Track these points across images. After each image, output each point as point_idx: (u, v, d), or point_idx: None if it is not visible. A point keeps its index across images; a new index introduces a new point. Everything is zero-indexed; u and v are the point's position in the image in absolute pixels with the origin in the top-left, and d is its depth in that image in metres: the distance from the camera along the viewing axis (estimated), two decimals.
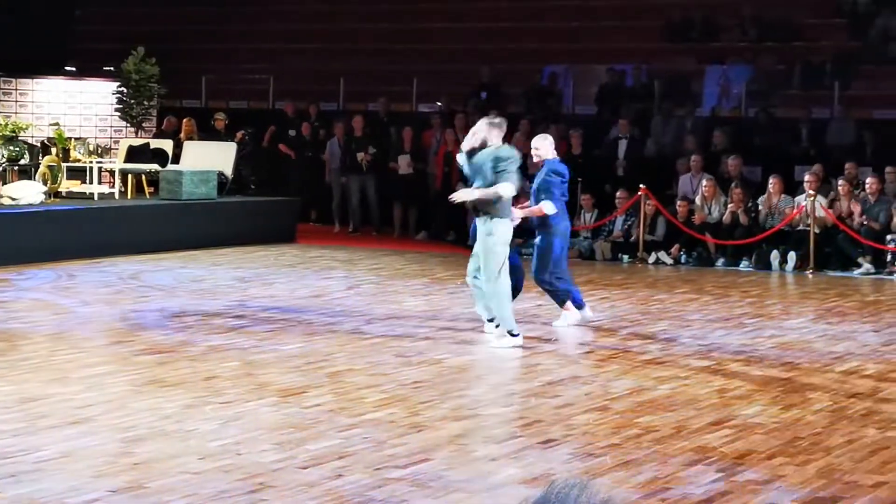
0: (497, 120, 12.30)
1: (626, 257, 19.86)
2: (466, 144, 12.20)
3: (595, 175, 21.56)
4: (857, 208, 18.79)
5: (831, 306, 15.37)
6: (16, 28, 24.22)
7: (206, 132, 23.08)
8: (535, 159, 13.42)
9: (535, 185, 13.11)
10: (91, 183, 20.27)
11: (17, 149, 20.08)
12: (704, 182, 19.94)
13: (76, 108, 24.05)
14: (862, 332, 13.45)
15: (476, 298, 12.57)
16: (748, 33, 24.34)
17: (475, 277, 12.29)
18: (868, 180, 19.10)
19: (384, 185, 23.27)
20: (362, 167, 23.09)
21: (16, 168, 20.07)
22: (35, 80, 24.01)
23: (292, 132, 24.47)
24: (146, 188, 21.19)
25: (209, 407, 9.21)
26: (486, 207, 11.91)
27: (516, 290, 12.58)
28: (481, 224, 11.99)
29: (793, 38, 23.96)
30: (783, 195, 19.47)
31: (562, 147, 21.76)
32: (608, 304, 15.01)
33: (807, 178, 19.26)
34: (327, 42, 27.70)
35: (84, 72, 25.19)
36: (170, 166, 20.99)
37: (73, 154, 20.88)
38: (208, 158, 21.27)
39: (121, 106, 23.80)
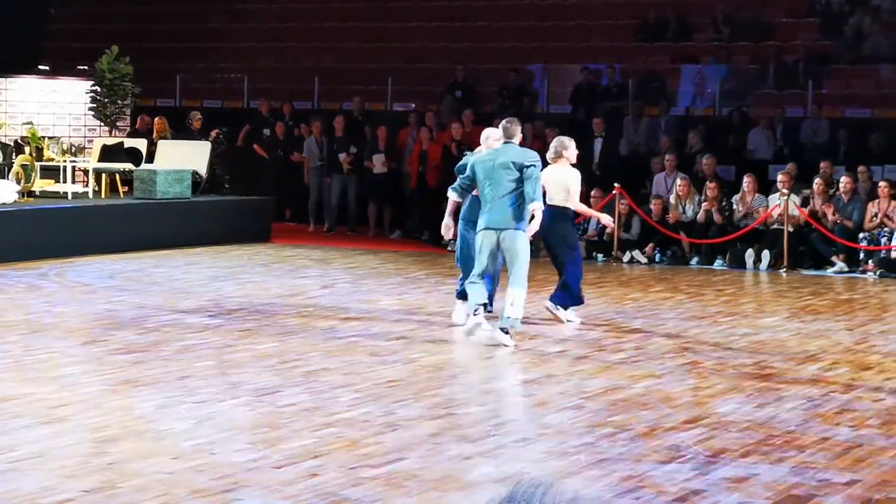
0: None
1: (600, 256, 19.89)
2: None
3: None
4: (829, 209, 18.84)
5: (805, 305, 15.42)
6: None
7: (181, 131, 23.02)
8: None
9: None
10: (65, 182, 20.21)
11: None
12: (679, 181, 19.99)
13: (50, 107, 23.96)
14: (835, 330, 13.50)
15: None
16: (722, 33, 24.42)
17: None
18: (842, 179, 19.17)
19: (360, 185, 23.27)
20: (343, 168, 23.07)
21: None
22: (8, 80, 23.92)
23: (266, 131, 24.45)
24: (120, 187, 21.12)
25: (183, 406, 9.19)
26: None
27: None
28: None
29: (766, 37, 24.04)
30: (757, 194, 19.53)
31: (536, 146, 21.88)
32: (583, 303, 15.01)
33: (780, 177, 19.33)
34: (302, 41, 27.70)
35: (58, 71, 25.11)
36: (144, 165, 20.93)
37: (47, 153, 20.81)
38: (182, 158, 21.22)
39: (95, 105, 23.72)
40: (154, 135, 22.64)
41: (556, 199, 13.30)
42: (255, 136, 24.51)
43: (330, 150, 23.31)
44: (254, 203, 22.13)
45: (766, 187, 19.90)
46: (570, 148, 13.64)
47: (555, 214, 13.14)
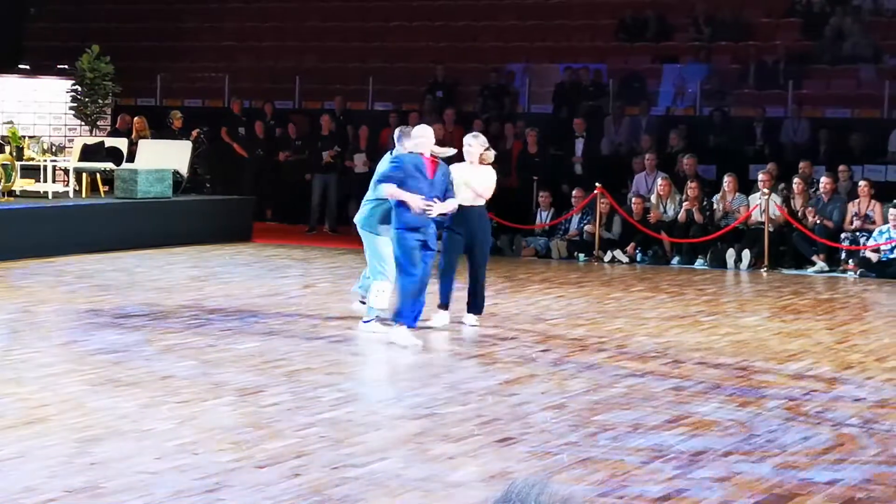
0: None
1: (582, 256, 19.91)
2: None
3: (551, 174, 21.62)
4: (811, 212, 18.89)
5: (786, 304, 15.46)
6: None
7: (161, 130, 22.98)
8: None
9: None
10: (45, 182, 20.15)
11: None
12: (660, 180, 20.02)
13: (30, 106, 23.89)
14: (816, 329, 13.54)
15: None
16: (702, 32, 24.45)
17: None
18: (822, 179, 19.23)
19: (341, 185, 23.24)
20: (324, 166, 23.07)
21: None
22: None
23: (241, 130, 24.41)
24: (101, 187, 21.07)
25: (166, 406, 9.18)
26: None
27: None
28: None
29: (746, 37, 24.09)
30: (738, 193, 19.58)
31: (516, 146, 21.92)
32: (565, 303, 15.04)
33: (761, 176, 19.37)
34: (282, 40, 27.67)
35: (38, 70, 25.04)
36: (125, 165, 20.89)
37: (27, 153, 20.74)
38: (163, 157, 21.18)
39: (75, 104, 23.67)
40: (134, 134, 22.59)
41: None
42: (231, 135, 24.43)
43: (314, 149, 23.30)
44: (235, 202, 22.11)
45: (746, 187, 19.94)
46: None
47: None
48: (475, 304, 13.27)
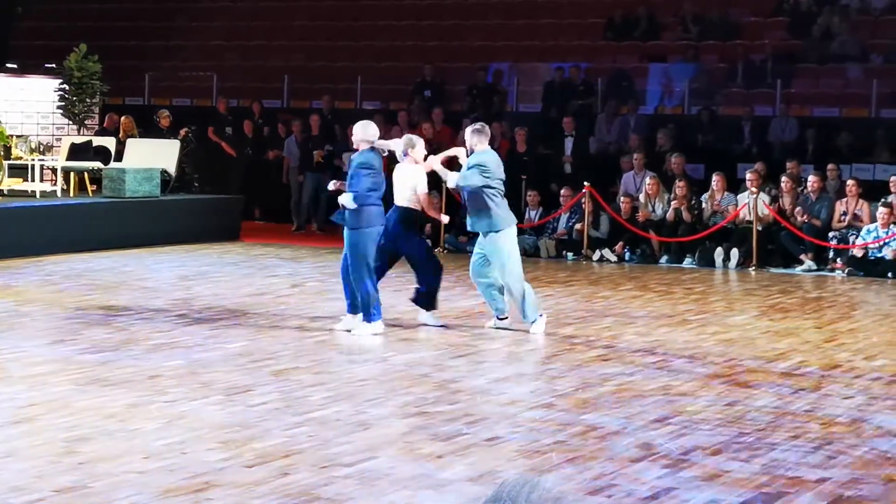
0: (479, 126, 12.83)
1: (570, 255, 19.91)
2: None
3: (540, 173, 21.63)
4: (799, 211, 18.92)
5: (774, 303, 15.47)
6: None
7: (149, 130, 22.95)
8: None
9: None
10: (33, 181, 20.12)
11: None
12: (648, 179, 20.03)
13: (17, 105, 23.83)
14: (804, 328, 13.55)
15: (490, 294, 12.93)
16: (690, 32, 24.48)
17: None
18: (810, 178, 19.25)
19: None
20: (314, 165, 23.10)
21: None
22: None
23: (229, 129, 24.38)
24: (89, 186, 21.03)
25: (154, 406, 9.16)
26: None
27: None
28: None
29: (734, 36, 24.12)
30: (726, 192, 19.60)
31: (503, 146, 21.91)
32: (553, 302, 15.04)
33: (749, 175, 19.39)
34: (271, 39, 27.66)
35: (26, 69, 24.98)
36: (113, 164, 20.85)
37: (15, 152, 20.70)
38: (151, 156, 21.15)
39: (63, 103, 23.62)
40: (121, 133, 22.55)
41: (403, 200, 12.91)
42: (218, 134, 24.40)
43: (305, 148, 23.31)
44: (223, 202, 22.07)
45: (735, 186, 19.96)
46: (417, 146, 12.84)
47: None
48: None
